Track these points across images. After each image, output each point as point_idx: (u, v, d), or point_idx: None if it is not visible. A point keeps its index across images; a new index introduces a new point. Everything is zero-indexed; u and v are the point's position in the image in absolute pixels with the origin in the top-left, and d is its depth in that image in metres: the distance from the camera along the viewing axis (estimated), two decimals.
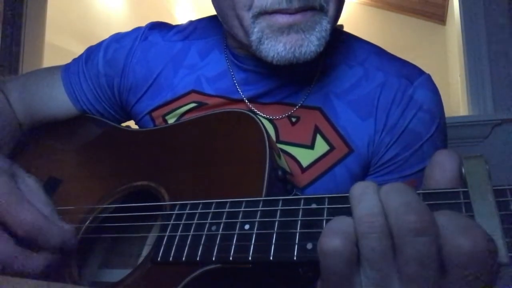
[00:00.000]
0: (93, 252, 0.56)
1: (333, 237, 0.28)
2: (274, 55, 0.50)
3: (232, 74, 0.61)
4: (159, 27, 0.69)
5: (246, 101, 0.60)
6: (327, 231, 0.28)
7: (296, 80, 0.59)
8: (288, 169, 0.52)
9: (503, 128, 1.89)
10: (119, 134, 0.62)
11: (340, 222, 0.29)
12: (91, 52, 0.70)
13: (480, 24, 2.00)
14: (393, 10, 4.50)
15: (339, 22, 0.64)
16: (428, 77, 0.59)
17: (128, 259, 0.55)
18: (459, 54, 2.57)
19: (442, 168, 0.31)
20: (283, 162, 0.50)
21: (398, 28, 4.44)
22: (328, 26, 0.51)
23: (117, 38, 0.69)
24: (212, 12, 0.71)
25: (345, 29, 0.66)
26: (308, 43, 0.49)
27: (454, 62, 3.50)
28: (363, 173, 0.58)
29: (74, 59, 0.72)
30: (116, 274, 0.54)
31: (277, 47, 0.49)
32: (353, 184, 0.33)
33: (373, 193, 0.29)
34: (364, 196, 0.29)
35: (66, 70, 0.70)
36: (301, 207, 0.34)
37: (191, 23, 0.69)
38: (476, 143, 1.91)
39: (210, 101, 0.61)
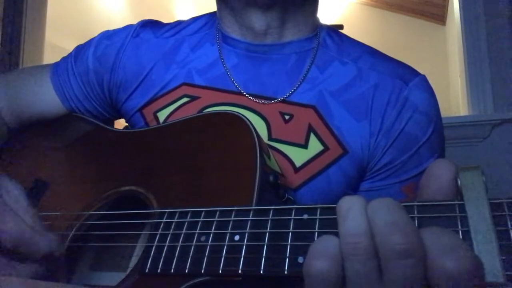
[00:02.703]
0: (82, 256, 0.55)
1: (319, 259, 0.27)
2: None
3: (223, 62, 0.61)
4: (151, 24, 0.68)
5: (241, 90, 0.59)
6: (313, 253, 0.28)
7: (286, 71, 0.59)
8: (278, 170, 0.52)
9: (503, 128, 1.89)
10: (108, 135, 0.61)
11: (326, 243, 0.28)
12: (80, 49, 0.69)
13: (480, 24, 2.00)
14: (393, 10, 4.49)
15: (339, 22, 0.64)
16: (424, 78, 0.58)
17: (118, 262, 0.54)
18: (459, 54, 2.56)
19: (438, 180, 0.30)
20: (273, 162, 0.49)
21: (398, 28, 4.44)
22: None
23: (108, 35, 0.68)
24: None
25: (345, 29, 0.66)
26: None
27: (454, 62, 3.50)
28: (358, 176, 0.57)
29: (63, 57, 0.71)
30: (106, 277, 0.54)
31: None
32: (344, 190, 0.32)
33: (360, 210, 0.28)
34: (350, 212, 0.28)
35: (55, 68, 0.69)
36: (293, 217, 0.34)
37: (183, 21, 0.69)
38: (476, 143, 1.91)
39: (202, 94, 0.60)
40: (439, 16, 4.24)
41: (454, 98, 3.52)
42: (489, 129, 1.89)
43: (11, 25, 2.26)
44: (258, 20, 0.58)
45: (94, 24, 3.53)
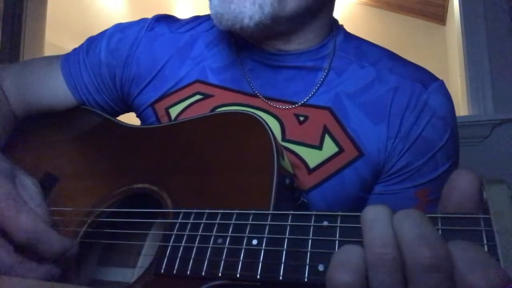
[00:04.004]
0: (90, 250, 0.55)
1: (342, 271, 0.27)
2: (213, 10, 0.53)
3: (241, 65, 0.61)
4: (166, 19, 0.68)
5: (257, 93, 0.59)
6: (335, 264, 0.28)
7: (303, 76, 0.59)
8: (291, 170, 0.51)
9: (503, 128, 1.89)
10: (119, 130, 0.60)
11: (349, 254, 0.28)
12: (92, 41, 0.68)
13: (480, 24, 2.00)
14: (393, 10, 4.49)
15: (339, 22, 0.64)
16: (442, 82, 0.58)
17: (126, 258, 0.54)
18: (459, 54, 2.57)
19: (460, 191, 0.30)
20: (287, 163, 0.48)
21: (398, 28, 4.44)
22: None
23: (121, 27, 0.67)
24: None
25: (345, 29, 0.65)
26: (238, 2, 0.51)
27: (454, 62, 3.50)
28: (373, 179, 0.56)
29: (74, 49, 0.70)
30: (114, 273, 0.54)
31: (214, 1, 0.53)
32: (358, 193, 0.31)
33: (386, 220, 0.28)
34: (377, 222, 0.28)
35: (66, 59, 0.68)
36: (312, 224, 0.33)
37: (199, 17, 0.68)
38: (476, 143, 1.91)
39: (216, 92, 0.60)
40: (439, 16, 4.25)
41: (454, 98, 3.51)
42: (489, 129, 1.89)
43: (11, 25, 2.26)
44: (265, 45, 0.59)
45: (94, 24, 3.53)
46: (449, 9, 3.81)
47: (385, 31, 4.36)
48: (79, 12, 3.52)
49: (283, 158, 0.46)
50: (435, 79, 0.58)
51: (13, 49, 2.26)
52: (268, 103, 0.58)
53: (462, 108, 2.79)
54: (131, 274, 0.53)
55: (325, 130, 0.55)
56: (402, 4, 4.35)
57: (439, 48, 4.26)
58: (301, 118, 0.57)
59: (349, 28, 0.65)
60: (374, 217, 0.28)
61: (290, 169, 0.49)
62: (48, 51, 2.48)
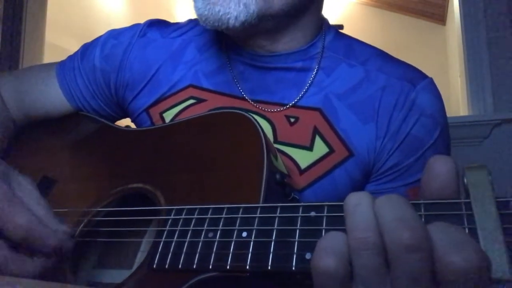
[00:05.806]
0: (88, 252, 0.56)
1: (326, 256, 0.28)
2: (197, 12, 0.54)
3: (230, 68, 0.61)
4: (158, 24, 0.68)
5: (246, 96, 0.59)
6: (319, 249, 0.28)
7: (292, 77, 0.59)
8: (285, 171, 0.51)
9: (503, 128, 1.89)
10: (115, 133, 0.61)
11: (333, 240, 0.29)
12: (87, 48, 0.69)
13: (480, 24, 2.00)
14: (393, 10, 4.50)
15: (339, 22, 0.64)
16: (431, 81, 0.58)
17: (123, 260, 0.54)
18: (459, 54, 2.57)
19: (440, 180, 0.30)
20: (280, 163, 0.49)
21: (398, 28, 4.44)
22: None
23: (115, 34, 0.68)
24: None
25: (345, 29, 0.65)
26: (222, 2, 0.51)
27: (454, 62, 3.50)
28: (364, 178, 0.57)
29: (70, 56, 0.71)
30: (112, 275, 0.54)
31: (198, 3, 0.54)
32: (349, 193, 0.32)
33: (367, 206, 0.29)
34: (358, 208, 0.29)
35: (61, 67, 0.69)
36: (300, 215, 0.34)
37: (191, 21, 0.69)
38: (476, 143, 1.91)
39: (209, 97, 0.60)
40: (439, 16, 4.25)
41: (454, 98, 3.52)
42: (489, 129, 1.89)
43: (11, 25, 2.26)
44: (252, 46, 0.59)
45: (94, 24, 3.53)
46: (449, 9, 3.81)
47: (385, 31, 4.36)
48: (79, 12, 3.52)
49: (276, 158, 0.47)
50: (424, 77, 0.58)
51: (13, 49, 2.26)
52: (256, 106, 0.59)
53: (462, 108, 2.79)
54: (128, 275, 0.53)
55: (316, 131, 0.56)
56: (402, 4, 4.36)
57: (439, 48, 4.26)
58: (292, 120, 0.57)
59: (349, 28, 0.65)
60: (356, 202, 0.29)
61: (283, 170, 0.50)
62: (48, 51, 2.49)
